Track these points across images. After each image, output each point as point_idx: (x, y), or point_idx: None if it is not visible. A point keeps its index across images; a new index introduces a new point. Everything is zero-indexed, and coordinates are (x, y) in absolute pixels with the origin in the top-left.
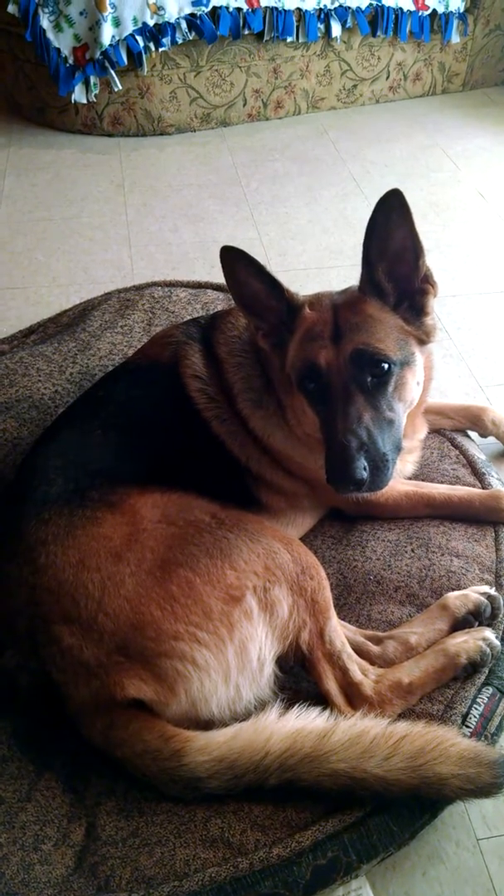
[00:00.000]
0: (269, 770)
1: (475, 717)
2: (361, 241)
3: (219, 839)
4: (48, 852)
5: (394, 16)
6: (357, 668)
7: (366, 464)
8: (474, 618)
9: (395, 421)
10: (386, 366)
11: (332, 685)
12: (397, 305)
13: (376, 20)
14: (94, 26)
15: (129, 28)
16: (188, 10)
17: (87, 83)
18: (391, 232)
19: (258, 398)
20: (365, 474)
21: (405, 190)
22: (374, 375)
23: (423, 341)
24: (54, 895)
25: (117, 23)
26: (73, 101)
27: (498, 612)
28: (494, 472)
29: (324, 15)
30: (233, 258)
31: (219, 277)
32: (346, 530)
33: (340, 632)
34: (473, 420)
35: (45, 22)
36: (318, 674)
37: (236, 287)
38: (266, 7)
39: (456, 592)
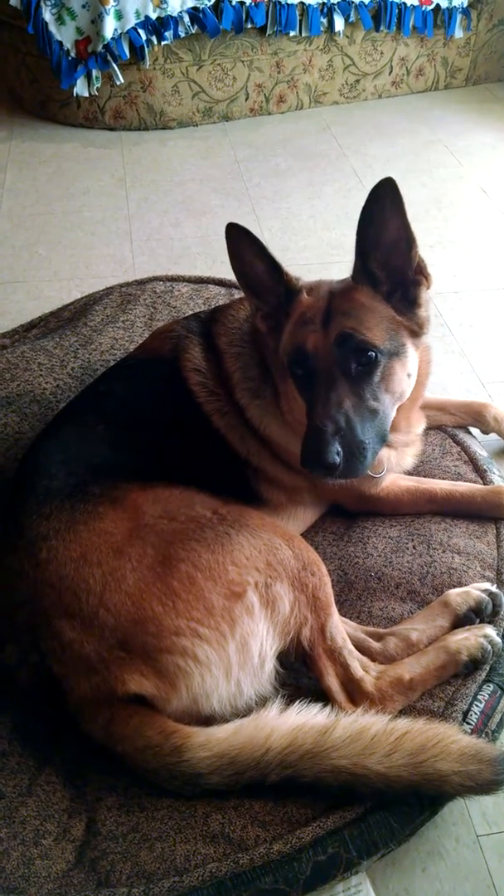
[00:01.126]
0: (270, 766)
1: (476, 714)
2: None
3: (219, 835)
4: (48, 847)
5: (397, 10)
6: (358, 664)
7: (339, 449)
8: (475, 615)
9: (380, 411)
10: (372, 354)
11: (333, 681)
12: (390, 296)
13: (379, 14)
14: (97, 19)
15: (132, 21)
16: (191, 3)
17: (89, 76)
18: (385, 221)
19: (255, 387)
20: (338, 459)
21: (407, 186)
22: (359, 363)
23: (415, 333)
24: (54, 890)
25: (120, 16)
26: (74, 95)
27: (499, 609)
28: (496, 468)
29: (327, 9)
30: (238, 235)
31: (220, 272)
32: (347, 527)
33: (342, 628)
34: (475, 416)
35: (47, 15)
36: (320, 670)
37: (239, 264)
38: (269, 1)
39: (457, 589)
